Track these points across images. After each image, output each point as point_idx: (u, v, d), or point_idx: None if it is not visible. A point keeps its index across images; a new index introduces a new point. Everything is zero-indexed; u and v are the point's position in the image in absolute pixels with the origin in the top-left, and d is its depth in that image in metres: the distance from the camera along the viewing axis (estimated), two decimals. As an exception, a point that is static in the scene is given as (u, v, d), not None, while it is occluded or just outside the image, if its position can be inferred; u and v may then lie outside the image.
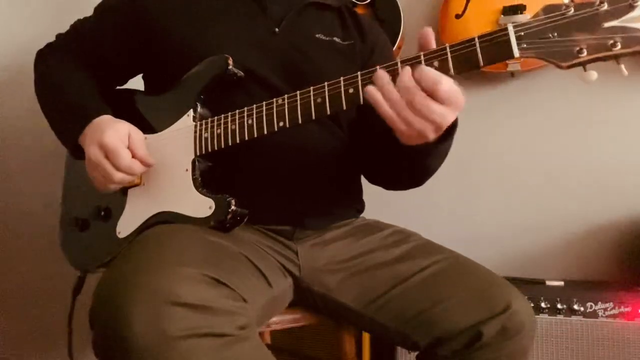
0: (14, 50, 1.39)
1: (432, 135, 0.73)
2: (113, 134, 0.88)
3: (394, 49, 1.63)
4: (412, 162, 0.87)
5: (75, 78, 1.01)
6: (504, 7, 1.51)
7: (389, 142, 0.80)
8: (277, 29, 0.99)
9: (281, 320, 0.97)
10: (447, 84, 0.68)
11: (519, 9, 1.48)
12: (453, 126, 0.76)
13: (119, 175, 0.89)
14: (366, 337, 1.42)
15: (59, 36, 1.10)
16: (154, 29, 0.99)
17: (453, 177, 1.68)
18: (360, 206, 1.09)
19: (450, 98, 0.69)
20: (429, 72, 0.69)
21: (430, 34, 0.72)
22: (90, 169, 0.92)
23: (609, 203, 1.57)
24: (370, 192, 1.10)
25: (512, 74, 1.61)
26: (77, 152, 0.96)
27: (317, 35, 1.02)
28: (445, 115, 0.70)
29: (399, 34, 1.65)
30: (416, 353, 0.91)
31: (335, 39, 1.03)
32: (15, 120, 1.40)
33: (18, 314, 1.38)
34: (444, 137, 0.77)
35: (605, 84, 1.56)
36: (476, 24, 1.54)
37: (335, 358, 1.13)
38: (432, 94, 0.69)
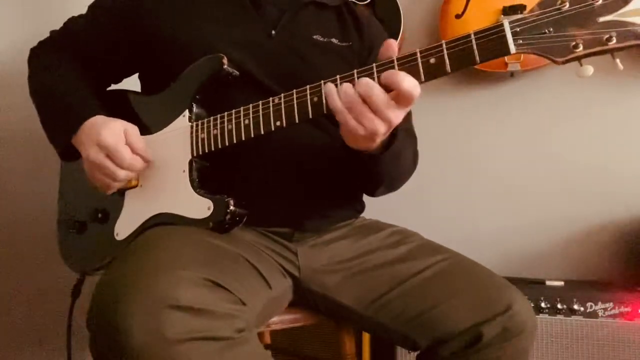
0: (9, 50, 1.38)
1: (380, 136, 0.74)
2: (110, 133, 0.87)
3: (394, 49, 1.63)
4: (366, 168, 0.87)
5: (68, 77, 1.00)
6: (504, 7, 1.51)
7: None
8: (273, 32, 0.97)
9: (281, 320, 0.97)
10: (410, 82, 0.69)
11: (519, 9, 1.49)
12: (394, 135, 0.79)
13: (122, 173, 0.89)
14: (366, 337, 1.42)
15: (52, 33, 1.08)
16: (148, 28, 0.98)
17: (453, 177, 1.68)
18: (360, 206, 1.09)
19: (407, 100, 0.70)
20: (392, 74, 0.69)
21: (394, 45, 0.73)
22: (92, 170, 0.91)
23: (608, 203, 1.57)
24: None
25: (512, 74, 1.61)
26: (67, 153, 0.95)
27: (314, 37, 1.00)
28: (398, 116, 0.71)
29: (399, 33, 1.64)
30: (416, 353, 0.91)
31: (333, 40, 1.02)
32: (11, 121, 1.39)
33: (17, 316, 1.38)
34: (388, 144, 0.80)
35: (605, 84, 1.57)
36: (476, 24, 1.54)
37: (335, 358, 1.13)
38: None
